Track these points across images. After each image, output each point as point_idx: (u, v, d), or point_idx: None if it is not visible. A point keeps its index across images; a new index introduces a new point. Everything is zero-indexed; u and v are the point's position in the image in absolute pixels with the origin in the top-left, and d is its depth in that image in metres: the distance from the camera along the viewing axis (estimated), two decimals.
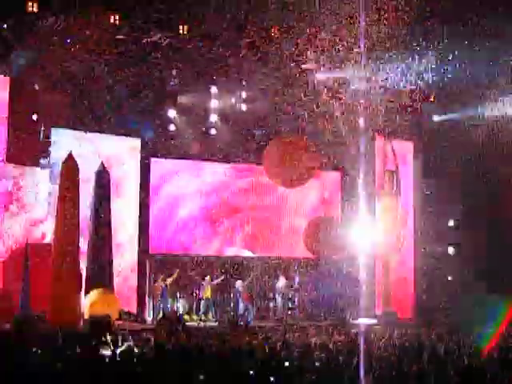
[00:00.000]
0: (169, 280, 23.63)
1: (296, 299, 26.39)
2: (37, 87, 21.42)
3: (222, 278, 24.85)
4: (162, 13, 21.02)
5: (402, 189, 27.80)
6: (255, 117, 25.20)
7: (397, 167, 27.41)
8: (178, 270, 23.95)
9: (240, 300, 24.65)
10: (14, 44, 20.60)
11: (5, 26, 20.37)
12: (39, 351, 12.66)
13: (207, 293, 24.23)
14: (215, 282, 24.53)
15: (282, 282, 25.47)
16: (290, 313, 25.43)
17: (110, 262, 22.67)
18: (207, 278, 24.44)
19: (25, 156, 21.78)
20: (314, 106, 25.57)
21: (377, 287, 26.91)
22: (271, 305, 26.06)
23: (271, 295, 26.09)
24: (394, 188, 27.55)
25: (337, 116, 26.06)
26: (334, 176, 27.78)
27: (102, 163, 22.87)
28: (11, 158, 21.31)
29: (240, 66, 24.25)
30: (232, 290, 25.04)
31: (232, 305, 24.89)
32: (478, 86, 24.82)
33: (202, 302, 24.35)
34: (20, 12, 19.82)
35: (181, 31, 22.13)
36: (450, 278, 28.82)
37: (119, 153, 23.81)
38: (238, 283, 24.71)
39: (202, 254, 25.55)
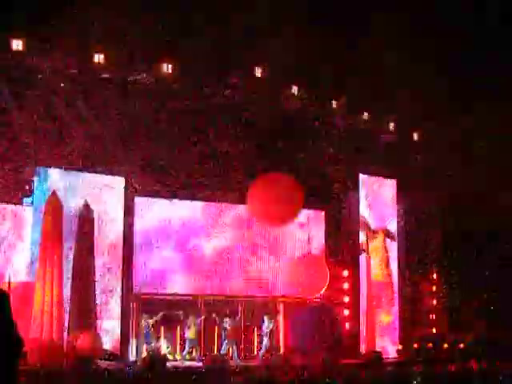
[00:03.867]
0: (152, 320, 23.47)
1: (280, 339, 26.26)
2: (21, 124, 21.36)
3: (203, 317, 24.76)
4: (146, 51, 21.10)
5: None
6: (238, 155, 25.14)
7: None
8: (161, 313, 23.82)
9: (224, 338, 24.53)
10: None
11: None
12: None
13: (192, 332, 24.06)
14: (199, 320, 24.40)
15: (266, 323, 25.29)
16: (274, 352, 25.18)
17: (94, 302, 22.51)
18: (191, 317, 24.29)
19: (8, 194, 21.67)
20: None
21: (361, 327, 26.87)
22: (255, 345, 25.96)
23: (256, 335, 25.97)
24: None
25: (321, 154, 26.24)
26: (317, 215, 27.73)
27: (85, 202, 22.80)
28: None
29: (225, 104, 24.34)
30: (218, 328, 25.00)
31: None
32: None
33: (187, 341, 24.17)
34: (5, 50, 19.83)
35: (165, 70, 22.23)
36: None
37: (103, 192, 23.67)
38: (226, 320, 24.57)
39: (186, 294, 25.39)
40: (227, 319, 24.65)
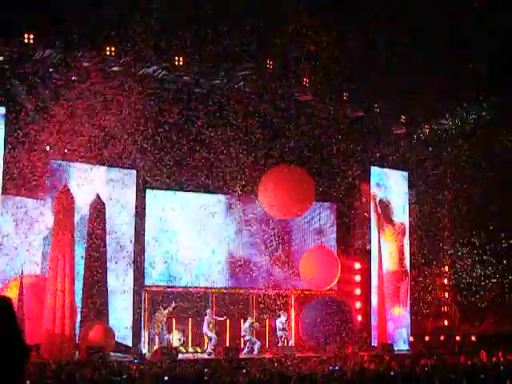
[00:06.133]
0: (165, 311, 23.51)
1: (292, 332, 26.25)
2: (33, 117, 21.39)
3: (221, 319, 24.82)
4: (157, 44, 21.06)
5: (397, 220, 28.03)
6: (249, 146, 25.06)
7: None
8: (173, 304, 23.86)
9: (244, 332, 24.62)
10: (11, 74, 20.63)
11: (1, 57, 20.38)
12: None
13: (210, 326, 24.03)
14: (218, 318, 24.42)
15: (282, 318, 25.30)
16: (286, 345, 25.16)
17: (106, 294, 22.57)
18: (208, 311, 24.34)
19: (21, 187, 21.68)
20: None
21: (373, 320, 26.86)
22: (267, 338, 25.99)
23: (268, 328, 26.03)
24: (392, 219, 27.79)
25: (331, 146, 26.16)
26: (329, 207, 27.73)
27: (97, 195, 22.85)
28: (9, 190, 21.24)
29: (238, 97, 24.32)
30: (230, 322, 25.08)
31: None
32: None
33: (210, 337, 24.16)
34: (17, 43, 19.84)
35: (176, 62, 22.20)
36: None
37: (115, 184, 23.72)
38: (246, 324, 24.71)
39: (197, 287, 25.42)
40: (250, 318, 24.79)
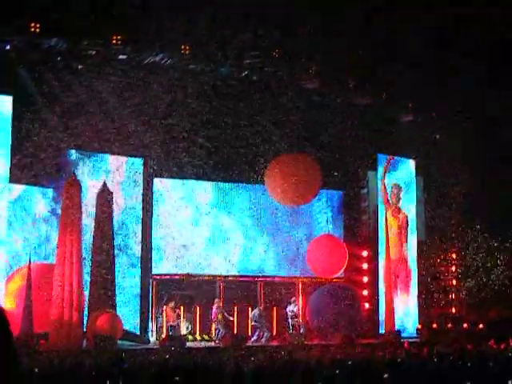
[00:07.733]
0: (173, 304, 23.58)
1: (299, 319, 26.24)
2: (40, 106, 21.41)
3: (231, 319, 24.79)
4: (163, 32, 21.03)
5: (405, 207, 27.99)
6: (256, 135, 25.03)
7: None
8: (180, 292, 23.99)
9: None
10: (18, 64, 20.63)
11: (8, 46, 20.38)
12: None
13: (219, 316, 24.06)
14: (226, 315, 24.36)
15: (292, 307, 25.32)
16: (297, 333, 25.14)
17: (113, 282, 22.61)
18: (217, 300, 24.37)
19: (30, 176, 21.71)
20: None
21: (380, 307, 26.83)
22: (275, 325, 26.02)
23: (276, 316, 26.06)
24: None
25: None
26: (336, 195, 27.71)
27: (104, 183, 22.86)
28: (16, 178, 21.27)
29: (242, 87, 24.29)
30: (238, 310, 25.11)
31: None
32: None
33: (213, 324, 24.22)
34: (23, 32, 19.84)
35: (182, 51, 22.17)
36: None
37: (123, 173, 23.75)
38: (255, 311, 24.70)
39: (204, 275, 25.45)
40: (256, 309, 24.79)
